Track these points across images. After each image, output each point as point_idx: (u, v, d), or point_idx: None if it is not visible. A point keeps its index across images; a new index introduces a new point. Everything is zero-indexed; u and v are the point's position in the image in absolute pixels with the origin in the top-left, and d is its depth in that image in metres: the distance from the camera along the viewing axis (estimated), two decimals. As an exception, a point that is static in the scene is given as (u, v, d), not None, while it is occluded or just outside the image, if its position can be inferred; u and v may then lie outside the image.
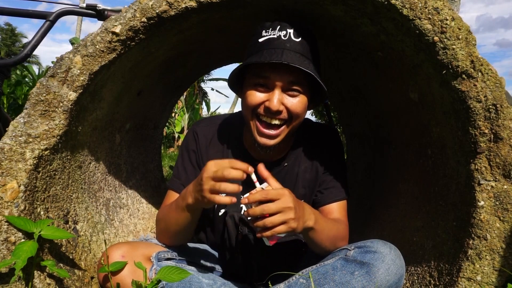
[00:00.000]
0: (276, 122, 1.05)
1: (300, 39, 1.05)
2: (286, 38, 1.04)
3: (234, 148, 1.23)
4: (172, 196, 1.19)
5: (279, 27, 1.06)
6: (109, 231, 1.39)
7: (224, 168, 0.91)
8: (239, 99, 1.20)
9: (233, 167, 0.91)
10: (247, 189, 1.21)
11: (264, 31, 1.07)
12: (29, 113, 1.03)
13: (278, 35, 1.05)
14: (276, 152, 1.19)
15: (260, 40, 1.06)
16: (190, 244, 1.29)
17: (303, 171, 1.22)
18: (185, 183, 1.15)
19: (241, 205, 1.22)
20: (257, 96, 1.05)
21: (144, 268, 1.01)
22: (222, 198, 0.92)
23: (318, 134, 1.26)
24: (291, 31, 1.05)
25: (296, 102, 1.04)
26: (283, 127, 1.06)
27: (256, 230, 0.93)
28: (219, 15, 1.19)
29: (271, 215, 0.88)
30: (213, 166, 0.93)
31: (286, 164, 1.22)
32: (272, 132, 1.06)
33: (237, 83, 1.16)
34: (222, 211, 1.23)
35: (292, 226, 0.90)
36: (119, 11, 1.53)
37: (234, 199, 0.91)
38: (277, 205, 0.88)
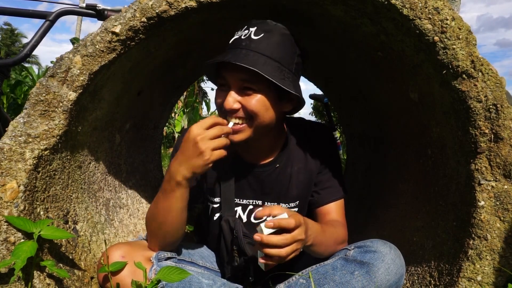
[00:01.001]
0: (235, 120, 1.04)
1: (260, 36, 1.02)
2: (245, 37, 1.03)
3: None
4: None
5: (246, 26, 1.05)
6: (109, 231, 1.39)
7: (215, 127, 0.96)
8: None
9: (216, 123, 0.97)
10: (241, 192, 1.20)
11: (236, 32, 1.08)
12: (29, 113, 1.02)
13: (240, 35, 1.05)
14: (265, 154, 1.20)
15: (230, 41, 1.07)
16: (190, 244, 1.29)
17: (296, 172, 1.21)
18: None
19: (235, 208, 1.21)
20: (218, 96, 1.08)
21: (144, 268, 1.01)
22: (221, 151, 0.96)
23: (310, 133, 1.25)
24: (253, 29, 1.03)
25: (252, 100, 1.03)
26: (243, 125, 1.05)
27: (256, 255, 0.92)
28: (219, 15, 1.19)
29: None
30: (198, 128, 0.95)
31: (277, 165, 1.20)
32: (234, 127, 1.05)
33: None
34: (217, 215, 1.22)
35: (297, 254, 0.91)
36: (119, 11, 1.53)
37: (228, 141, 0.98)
38: (293, 236, 0.89)
